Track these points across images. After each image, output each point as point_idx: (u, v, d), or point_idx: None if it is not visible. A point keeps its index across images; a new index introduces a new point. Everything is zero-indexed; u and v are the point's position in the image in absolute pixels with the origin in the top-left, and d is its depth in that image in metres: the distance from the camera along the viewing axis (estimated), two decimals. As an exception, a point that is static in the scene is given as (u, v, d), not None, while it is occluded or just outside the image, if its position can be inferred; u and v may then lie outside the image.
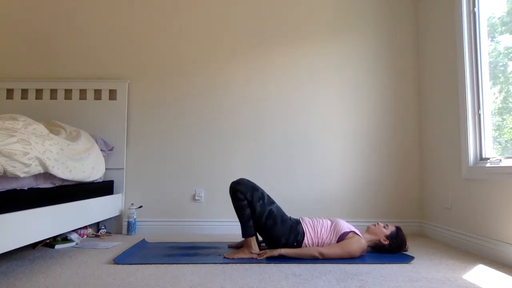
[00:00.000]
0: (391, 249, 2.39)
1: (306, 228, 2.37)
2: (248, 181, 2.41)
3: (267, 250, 2.31)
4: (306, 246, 2.33)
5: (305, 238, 2.34)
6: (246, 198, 2.32)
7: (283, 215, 2.39)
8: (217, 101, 3.39)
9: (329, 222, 2.42)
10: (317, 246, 2.33)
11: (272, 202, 2.39)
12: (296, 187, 3.30)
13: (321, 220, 2.44)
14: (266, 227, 2.34)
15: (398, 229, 2.44)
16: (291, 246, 2.33)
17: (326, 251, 2.26)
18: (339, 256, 2.25)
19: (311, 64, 3.41)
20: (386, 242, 2.39)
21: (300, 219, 2.43)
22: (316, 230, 2.37)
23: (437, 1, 3.07)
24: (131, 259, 2.24)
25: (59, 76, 3.41)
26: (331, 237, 2.34)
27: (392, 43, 3.43)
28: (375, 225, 2.47)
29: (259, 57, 3.42)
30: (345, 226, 2.37)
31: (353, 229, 2.37)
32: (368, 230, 2.46)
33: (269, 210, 2.34)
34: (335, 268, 2.08)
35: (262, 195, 2.36)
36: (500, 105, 2.55)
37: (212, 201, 3.31)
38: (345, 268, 2.09)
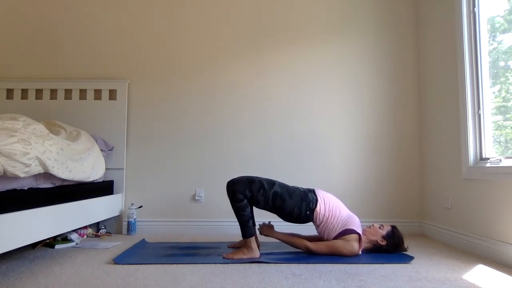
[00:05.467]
0: (389, 249, 2.40)
1: (320, 197, 2.44)
2: (242, 177, 2.41)
3: (268, 228, 2.48)
4: (319, 214, 2.39)
5: (318, 205, 2.40)
6: (246, 196, 2.33)
7: (288, 188, 2.43)
8: (217, 101, 3.39)
9: (346, 211, 2.47)
10: (326, 219, 2.40)
11: (272, 183, 2.41)
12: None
13: (340, 203, 2.51)
14: (277, 207, 2.38)
15: (393, 228, 2.45)
16: (305, 215, 2.39)
17: (315, 248, 2.36)
18: (327, 253, 2.35)
19: (311, 64, 3.41)
20: (383, 243, 2.39)
21: (315, 189, 2.52)
22: (331, 203, 2.44)
23: (437, 1, 3.07)
24: (131, 259, 2.24)
25: (59, 76, 3.41)
26: (339, 223, 2.39)
27: (392, 43, 3.43)
28: (370, 227, 2.48)
29: (259, 57, 3.42)
30: (356, 225, 2.39)
31: (360, 232, 2.38)
32: (363, 233, 2.45)
33: (273, 193, 2.36)
34: (335, 268, 2.08)
35: (260, 184, 2.37)
36: (501, 105, 2.55)
37: (212, 201, 3.31)
38: (345, 268, 2.09)
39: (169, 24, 3.45)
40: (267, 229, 2.48)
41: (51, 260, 2.27)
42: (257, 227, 2.55)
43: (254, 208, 2.52)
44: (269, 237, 2.51)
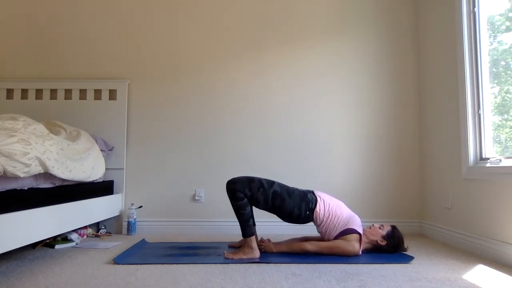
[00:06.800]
0: (389, 249, 2.40)
1: (320, 198, 2.44)
2: (242, 176, 2.42)
3: (267, 245, 2.42)
4: (319, 214, 2.39)
5: (317, 205, 2.40)
6: (246, 195, 2.33)
7: (287, 188, 2.43)
8: (217, 101, 3.39)
9: (347, 210, 2.46)
10: (327, 219, 2.39)
11: (272, 183, 2.42)
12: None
13: (341, 202, 2.50)
14: (277, 207, 2.38)
15: (393, 228, 2.45)
16: (305, 215, 2.39)
17: (315, 249, 2.35)
18: (327, 254, 2.34)
19: (311, 64, 3.41)
20: (383, 243, 2.39)
21: (314, 190, 2.53)
22: (330, 204, 2.43)
23: (437, 1, 3.07)
24: (131, 259, 2.24)
25: (59, 76, 3.41)
26: (340, 222, 2.38)
27: (392, 43, 3.42)
28: (370, 227, 2.48)
29: (259, 57, 3.42)
30: (357, 225, 2.39)
31: (361, 232, 2.38)
32: (363, 233, 2.45)
33: (272, 192, 2.37)
34: (335, 268, 2.08)
35: (260, 183, 2.38)
36: (501, 105, 2.55)
37: (212, 201, 3.31)
38: (345, 268, 2.09)
39: (169, 24, 3.45)
40: (266, 245, 2.43)
41: (51, 260, 2.27)
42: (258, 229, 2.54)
43: (254, 209, 2.52)
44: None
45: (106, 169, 3.13)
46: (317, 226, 2.47)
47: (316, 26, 3.44)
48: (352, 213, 2.46)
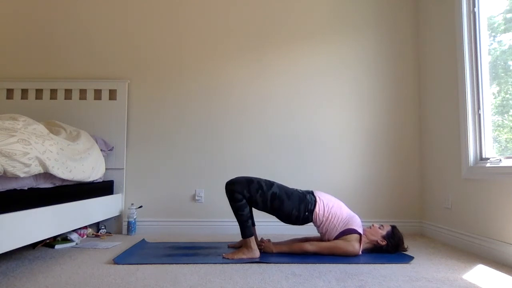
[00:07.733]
0: (389, 249, 2.40)
1: (319, 198, 2.44)
2: (241, 177, 2.41)
3: (267, 245, 2.42)
4: (318, 215, 2.39)
5: (317, 206, 2.40)
6: (244, 196, 2.33)
7: (287, 190, 2.42)
8: (217, 101, 3.39)
9: (347, 210, 2.46)
10: (326, 219, 2.39)
11: (271, 184, 2.41)
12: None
13: (341, 202, 2.50)
14: (275, 209, 2.38)
15: (393, 228, 2.45)
16: (304, 217, 2.39)
17: (315, 250, 2.35)
18: (327, 254, 2.34)
19: (312, 64, 3.41)
20: (383, 243, 2.39)
21: (313, 191, 2.52)
22: (329, 204, 2.43)
23: (437, 1, 3.07)
24: (131, 259, 2.24)
25: (59, 76, 3.41)
26: (340, 223, 2.38)
27: (392, 43, 3.43)
28: (370, 227, 2.48)
29: (259, 57, 3.42)
30: (358, 225, 2.39)
31: (361, 232, 2.38)
32: (364, 233, 2.45)
33: (271, 194, 2.36)
34: (335, 268, 2.08)
35: (259, 185, 2.37)
36: (501, 105, 2.55)
37: (212, 201, 3.31)
38: (345, 268, 2.09)
39: (169, 24, 3.45)
40: (266, 246, 2.43)
41: (51, 260, 2.27)
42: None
43: (254, 210, 2.52)
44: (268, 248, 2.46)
45: (106, 169, 3.13)
46: (317, 226, 2.47)
47: (316, 26, 3.44)
48: (352, 213, 2.46)
